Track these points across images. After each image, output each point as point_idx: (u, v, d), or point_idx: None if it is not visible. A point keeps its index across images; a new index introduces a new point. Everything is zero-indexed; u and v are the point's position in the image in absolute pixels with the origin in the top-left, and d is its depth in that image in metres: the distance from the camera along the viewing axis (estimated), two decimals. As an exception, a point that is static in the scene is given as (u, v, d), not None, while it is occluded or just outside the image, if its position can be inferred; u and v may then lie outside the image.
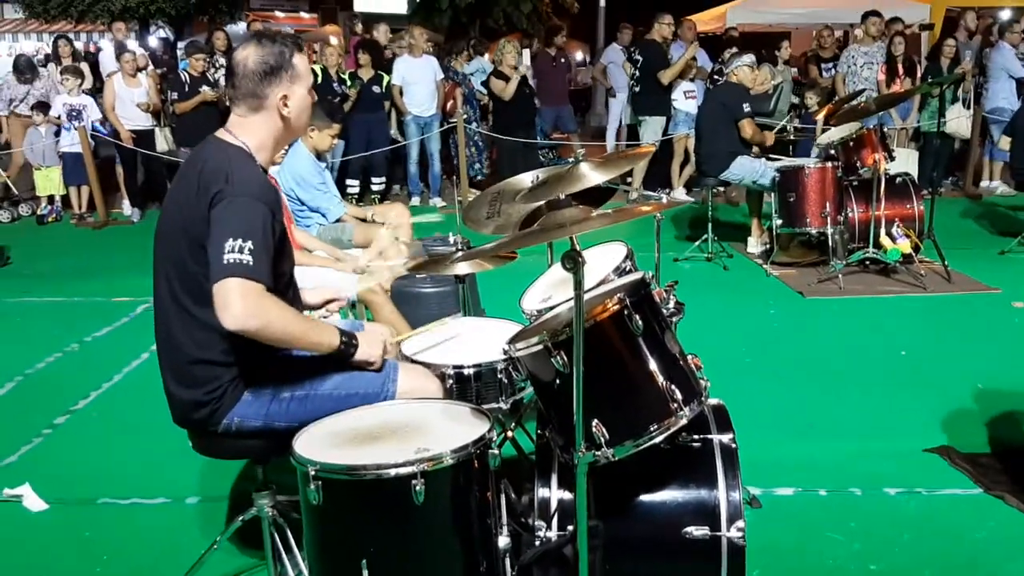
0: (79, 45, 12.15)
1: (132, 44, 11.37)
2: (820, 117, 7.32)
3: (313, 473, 2.13)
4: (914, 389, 4.48)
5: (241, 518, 2.83)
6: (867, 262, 6.43)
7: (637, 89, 9.83)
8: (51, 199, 9.77)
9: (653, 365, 2.26)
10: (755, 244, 7.42)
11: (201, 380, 2.45)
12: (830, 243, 6.40)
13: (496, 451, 2.29)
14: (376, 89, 9.57)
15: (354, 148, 9.36)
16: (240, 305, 2.19)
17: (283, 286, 2.50)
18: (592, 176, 2.48)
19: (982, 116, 9.68)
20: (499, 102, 9.69)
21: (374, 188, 9.88)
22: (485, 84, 9.87)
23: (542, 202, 2.84)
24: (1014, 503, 3.33)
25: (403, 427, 2.35)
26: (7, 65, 17.22)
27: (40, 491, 3.56)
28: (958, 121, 9.71)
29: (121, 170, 9.67)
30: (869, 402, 4.35)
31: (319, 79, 9.26)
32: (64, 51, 10.09)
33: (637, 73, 9.73)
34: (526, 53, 10.40)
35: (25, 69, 9.94)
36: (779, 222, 6.62)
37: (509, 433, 3.17)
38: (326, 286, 4.24)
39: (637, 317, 2.23)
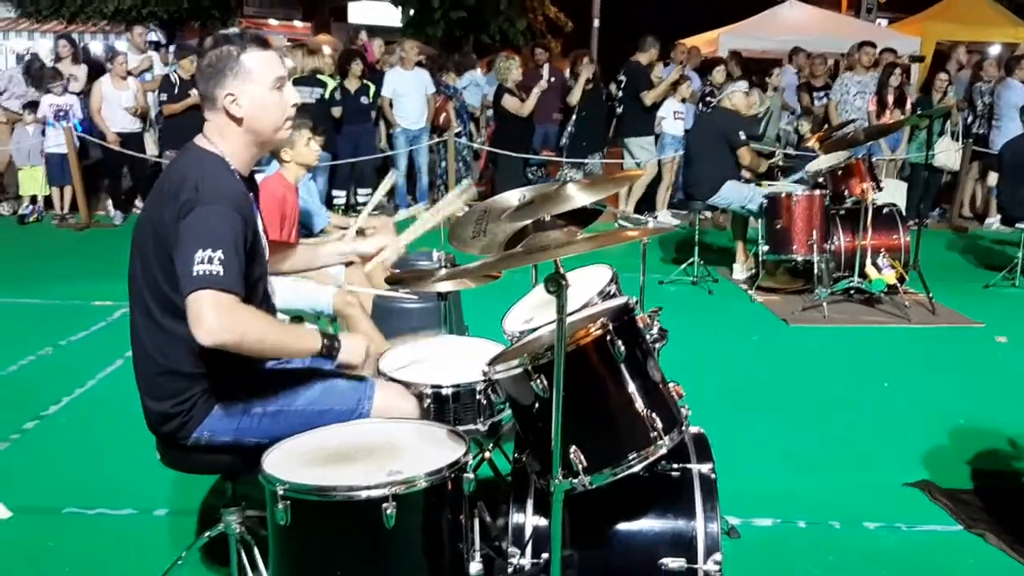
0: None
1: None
2: (813, 143, 7.31)
3: (281, 492, 2.06)
4: (895, 422, 4.46)
5: (208, 534, 2.77)
6: (852, 291, 6.41)
7: (620, 110, 9.81)
8: (33, 199, 9.66)
9: (634, 392, 2.21)
10: (740, 270, 7.41)
11: (170, 392, 2.39)
12: (815, 271, 6.40)
13: (471, 475, 2.23)
14: (364, 100, 9.51)
15: (341, 159, 9.29)
16: (214, 319, 2.13)
17: (255, 294, 2.44)
18: (579, 197, 2.44)
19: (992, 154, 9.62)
20: (505, 118, 9.64)
21: (361, 200, 9.83)
22: (495, 102, 9.79)
23: (528, 222, 2.81)
24: (994, 542, 3.29)
25: (377, 447, 2.29)
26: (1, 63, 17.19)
27: (5, 499, 3.47)
28: (947, 154, 9.74)
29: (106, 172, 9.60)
30: (850, 433, 4.32)
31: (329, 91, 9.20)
32: (64, 51, 9.99)
33: (620, 94, 9.71)
34: (546, 68, 10.40)
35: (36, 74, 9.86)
36: (765, 248, 6.60)
37: (487, 454, 3.12)
38: (305, 294, 4.22)
39: (620, 343, 2.19)
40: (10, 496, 3.50)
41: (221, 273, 2.15)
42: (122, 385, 4.52)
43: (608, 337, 2.18)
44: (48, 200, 9.70)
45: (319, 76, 9.16)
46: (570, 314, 2.43)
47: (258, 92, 2.40)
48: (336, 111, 9.17)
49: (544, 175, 10.62)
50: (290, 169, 4.43)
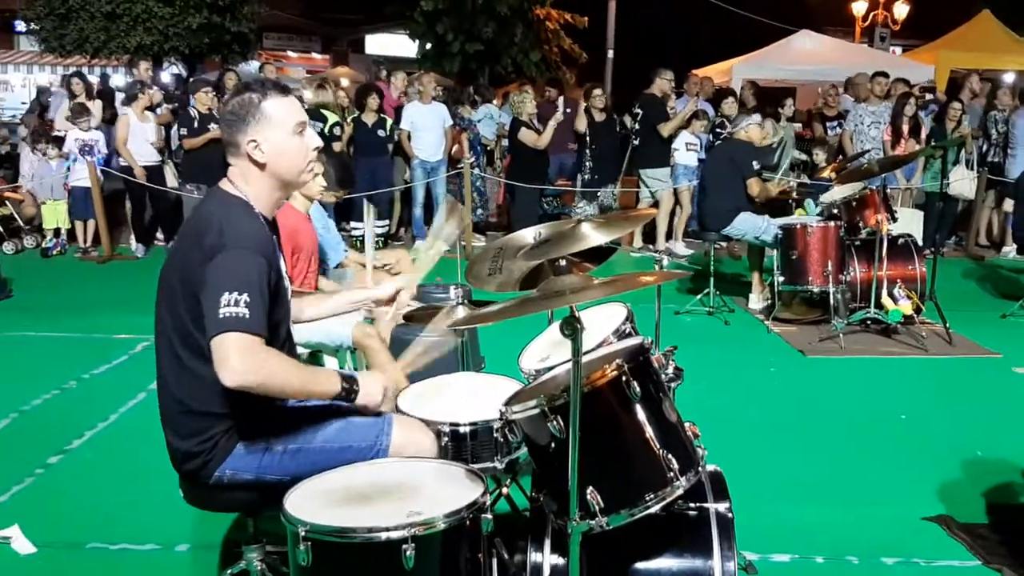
0: (93, 79, 12.23)
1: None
2: (828, 174, 7.35)
3: (303, 534, 2.10)
4: (913, 454, 4.45)
5: (229, 571, 2.81)
6: (868, 322, 6.42)
7: (636, 142, 9.89)
8: (57, 232, 9.81)
9: (650, 433, 2.24)
10: (757, 300, 7.42)
11: (193, 431, 2.45)
12: (832, 302, 6.40)
13: (489, 516, 2.26)
14: (381, 133, 9.63)
15: (357, 191, 9.36)
16: (239, 360, 2.19)
17: (278, 335, 2.49)
18: (594, 236, 2.48)
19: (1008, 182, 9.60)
20: (521, 150, 9.74)
21: (378, 231, 9.91)
22: (511, 135, 9.89)
23: (543, 260, 2.85)
24: (1012, 577, 3.29)
25: (396, 488, 2.33)
26: (23, 96, 17.45)
27: (29, 533, 3.52)
28: (962, 183, 9.74)
29: (129, 205, 9.73)
30: (868, 467, 4.32)
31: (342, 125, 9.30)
32: (77, 88, 10.17)
33: (637, 127, 9.80)
34: (560, 101, 10.52)
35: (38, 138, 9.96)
36: (781, 279, 6.63)
37: (504, 489, 3.15)
38: (326, 327, 4.26)
39: (635, 383, 2.22)
40: (36, 531, 3.54)
41: (247, 316, 2.22)
42: (145, 419, 4.58)
43: (624, 378, 2.22)
44: (71, 233, 9.84)
45: (322, 111, 9.27)
46: (586, 353, 2.47)
47: (279, 137, 2.47)
48: (337, 145, 9.21)
49: (559, 205, 10.69)
50: (298, 199, 4.53)
